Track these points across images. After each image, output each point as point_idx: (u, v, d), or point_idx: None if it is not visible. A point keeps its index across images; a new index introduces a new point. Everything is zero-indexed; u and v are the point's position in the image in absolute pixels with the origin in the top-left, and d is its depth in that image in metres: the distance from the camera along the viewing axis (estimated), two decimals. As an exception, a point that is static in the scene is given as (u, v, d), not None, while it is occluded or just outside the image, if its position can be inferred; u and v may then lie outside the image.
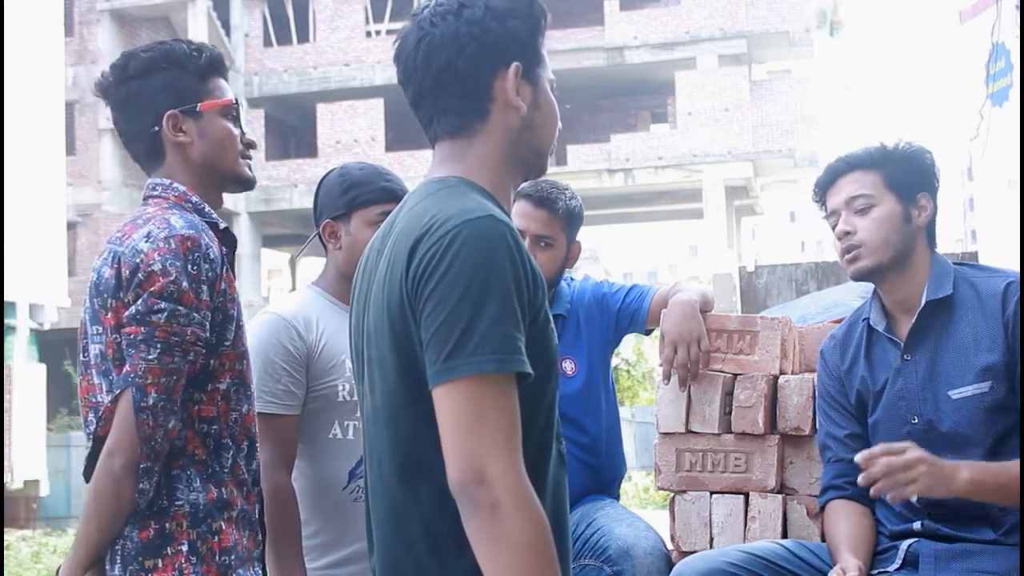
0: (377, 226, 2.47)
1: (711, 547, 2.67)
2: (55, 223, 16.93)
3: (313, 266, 27.28)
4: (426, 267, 1.51)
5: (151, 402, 1.87)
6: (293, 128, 30.57)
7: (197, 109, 2.07)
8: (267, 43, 28.83)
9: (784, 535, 2.66)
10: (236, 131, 2.12)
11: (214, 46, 2.17)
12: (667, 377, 2.75)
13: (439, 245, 1.51)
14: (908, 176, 2.42)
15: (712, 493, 2.73)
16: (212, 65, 2.12)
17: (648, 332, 3.10)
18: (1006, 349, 2.29)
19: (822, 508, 2.49)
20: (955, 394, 2.31)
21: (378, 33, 28.69)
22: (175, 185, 2.06)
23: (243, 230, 27.98)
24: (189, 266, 1.91)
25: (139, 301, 1.89)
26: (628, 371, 19.23)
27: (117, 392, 1.90)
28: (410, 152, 26.33)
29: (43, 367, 16.38)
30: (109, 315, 1.93)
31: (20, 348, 16.08)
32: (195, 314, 1.91)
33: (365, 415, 1.66)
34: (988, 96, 7.20)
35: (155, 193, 2.07)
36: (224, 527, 1.96)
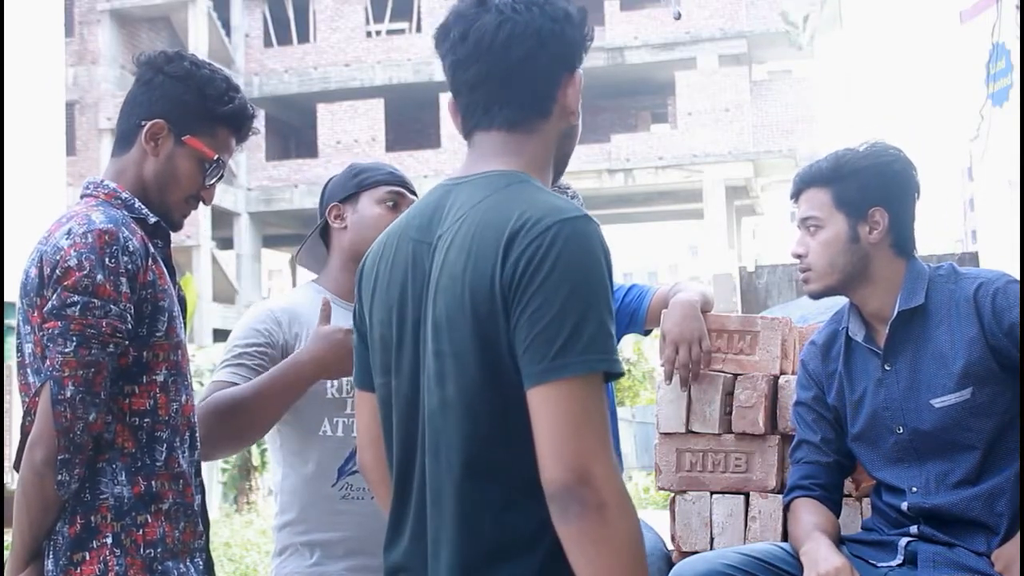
0: (384, 205, 2.54)
1: (712, 547, 2.66)
2: (55, 223, 16.92)
3: (313, 266, 27.22)
4: (527, 265, 1.49)
5: (68, 394, 1.88)
6: (293, 128, 30.57)
7: (182, 138, 2.09)
8: (267, 43, 28.85)
9: (785, 536, 2.65)
10: (198, 180, 2.12)
11: (254, 113, 2.19)
12: (668, 377, 2.75)
13: (539, 243, 1.49)
14: (859, 192, 2.39)
15: (712, 493, 2.73)
16: (234, 119, 2.13)
17: (647, 333, 3.09)
18: (986, 352, 2.27)
19: (786, 507, 2.49)
20: (937, 403, 2.30)
21: (378, 33, 28.71)
22: (106, 183, 2.09)
23: (243, 230, 28.00)
24: (107, 259, 1.93)
25: (54, 296, 1.92)
26: (628, 371, 19.26)
27: (39, 386, 1.93)
28: (410, 152, 26.36)
29: (43, 367, 16.34)
30: (35, 313, 1.96)
31: (20, 348, 16.07)
32: (112, 306, 1.92)
33: (430, 409, 1.59)
34: (988, 96, 7.20)
35: (87, 192, 2.10)
36: (151, 520, 1.98)
